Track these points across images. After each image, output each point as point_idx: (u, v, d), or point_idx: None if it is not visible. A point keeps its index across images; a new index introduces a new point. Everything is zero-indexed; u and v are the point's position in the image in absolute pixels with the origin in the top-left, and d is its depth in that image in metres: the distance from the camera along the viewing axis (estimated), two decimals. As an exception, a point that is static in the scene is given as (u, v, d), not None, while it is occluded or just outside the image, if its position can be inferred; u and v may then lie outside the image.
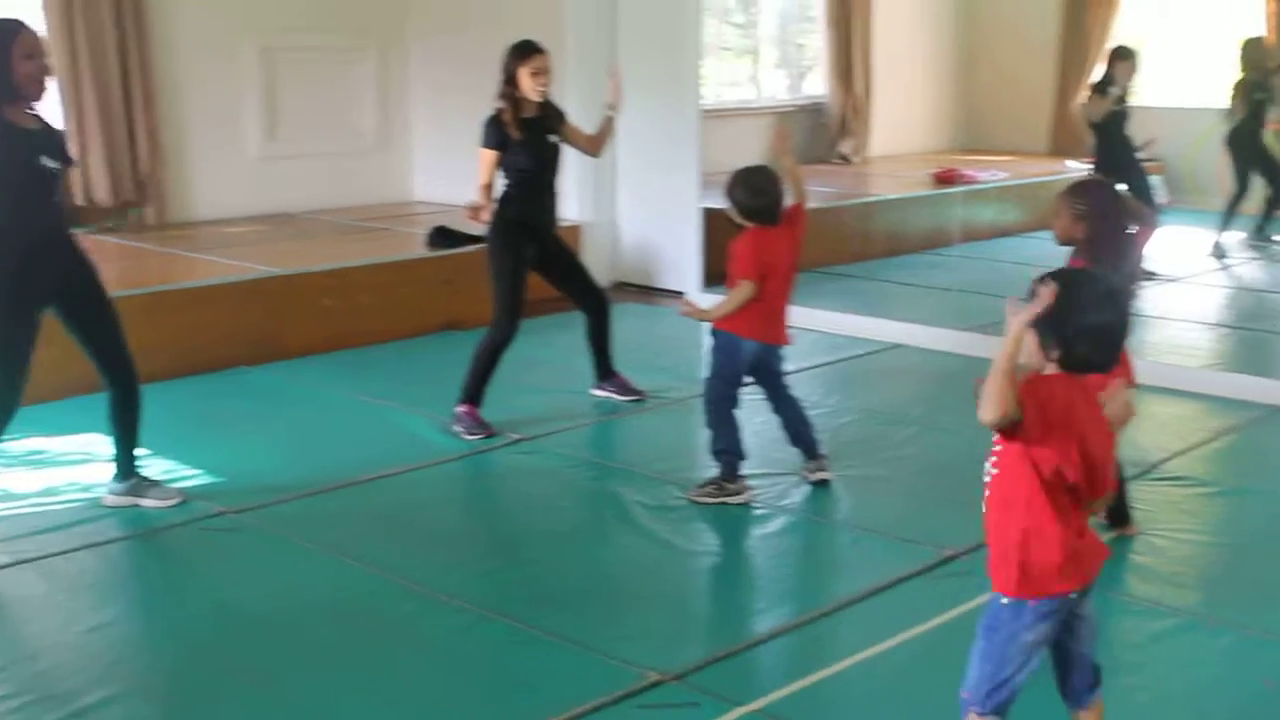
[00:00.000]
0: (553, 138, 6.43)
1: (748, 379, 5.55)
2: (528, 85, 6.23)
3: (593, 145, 6.67)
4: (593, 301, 6.74)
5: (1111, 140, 9.24)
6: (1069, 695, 3.32)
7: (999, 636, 3.16)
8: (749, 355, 5.45)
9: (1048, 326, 3.02)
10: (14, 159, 4.85)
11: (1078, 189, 4.68)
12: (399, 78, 10.44)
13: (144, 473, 5.44)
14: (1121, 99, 9.15)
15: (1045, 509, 3.06)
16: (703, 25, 9.29)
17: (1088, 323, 3.01)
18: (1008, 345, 2.94)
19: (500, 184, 6.35)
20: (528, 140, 6.30)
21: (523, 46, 6.28)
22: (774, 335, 5.46)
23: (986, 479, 3.16)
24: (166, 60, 9.09)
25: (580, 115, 6.88)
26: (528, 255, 6.39)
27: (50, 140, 5.01)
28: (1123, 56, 9.35)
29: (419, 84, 10.48)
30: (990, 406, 2.95)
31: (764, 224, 5.33)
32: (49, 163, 4.94)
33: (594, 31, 9.33)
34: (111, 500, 5.36)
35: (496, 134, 6.27)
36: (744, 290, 5.30)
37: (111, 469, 5.39)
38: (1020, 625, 3.12)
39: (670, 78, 9.17)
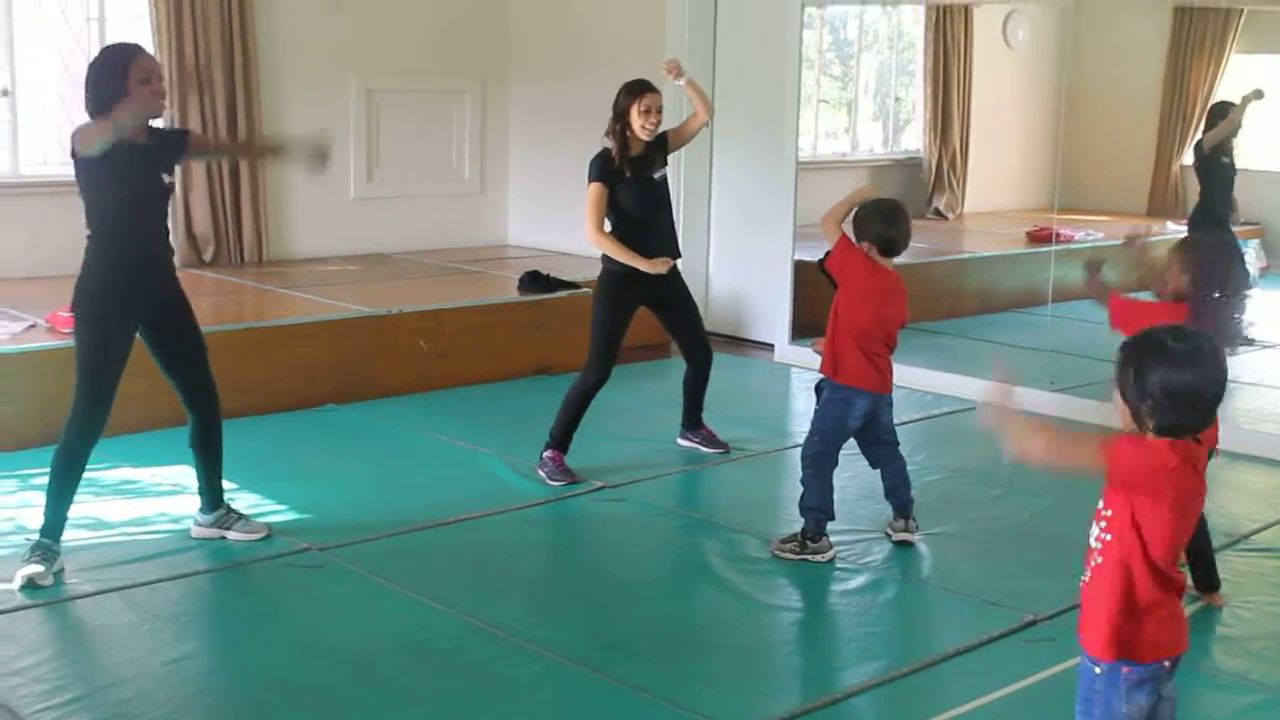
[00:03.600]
0: (659, 174, 6.39)
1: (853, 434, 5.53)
2: (637, 124, 6.23)
3: (696, 120, 6.46)
4: (699, 355, 6.69)
5: (1209, 201, 9.11)
6: None
7: (1097, 710, 3.10)
8: (861, 411, 5.42)
9: (1131, 393, 2.99)
10: (130, 176, 4.92)
11: (1186, 243, 4.75)
12: (498, 123, 10.55)
13: (232, 505, 5.51)
14: (1232, 134, 8.99)
15: (1143, 576, 3.02)
16: (802, 77, 9.29)
17: (1163, 383, 2.94)
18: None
19: (607, 227, 6.31)
20: (635, 181, 6.29)
21: (636, 84, 6.28)
22: (884, 384, 5.43)
23: (1091, 542, 3.13)
24: (271, 97, 9.24)
25: (675, 159, 6.82)
26: (631, 304, 6.38)
27: (165, 153, 5.09)
28: (1224, 114, 9.21)
29: (517, 129, 10.58)
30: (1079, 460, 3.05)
31: (878, 249, 5.34)
32: (166, 177, 5.04)
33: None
34: (198, 531, 5.43)
35: (605, 167, 6.23)
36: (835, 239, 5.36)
37: (178, 500, 5.44)
38: (1115, 694, 3.07)
39: (768, 129, 9.20)
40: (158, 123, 5.17)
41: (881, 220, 5.32)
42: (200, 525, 5.44)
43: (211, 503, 5.44)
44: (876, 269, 5.34)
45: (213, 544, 5.37)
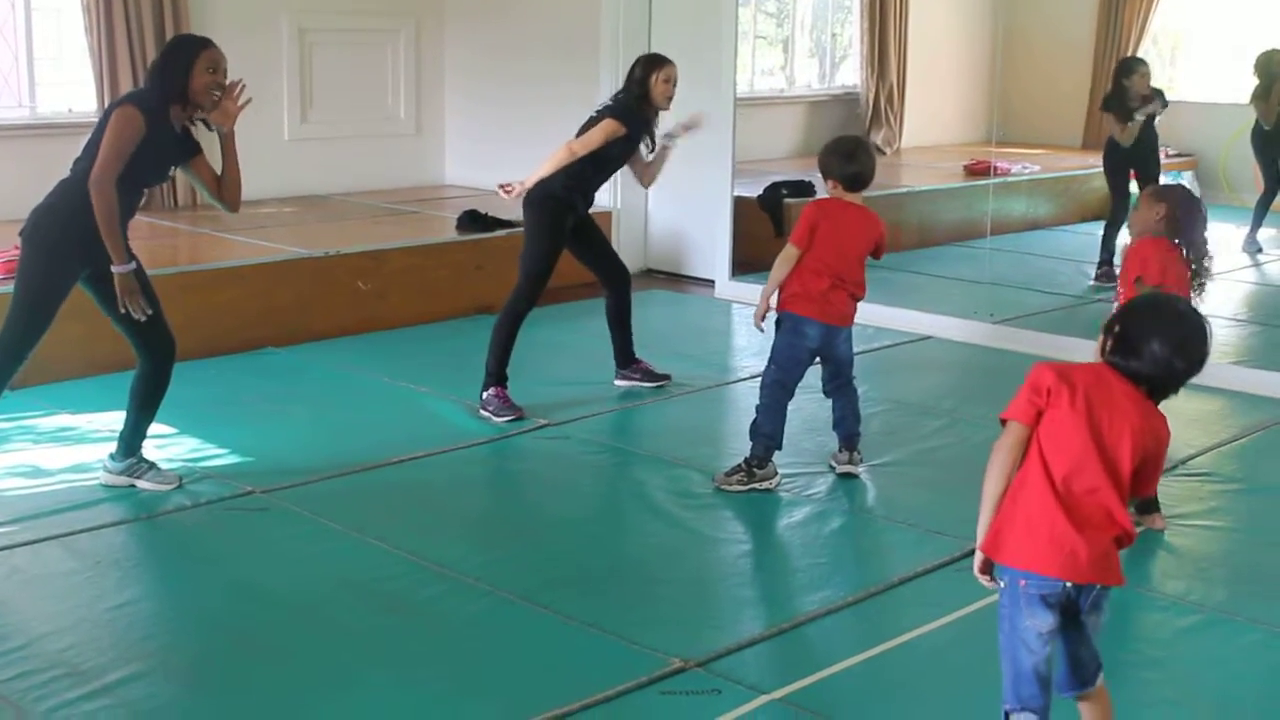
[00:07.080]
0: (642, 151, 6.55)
1: (811, 364, 5.53)
2: (659, 91, 6.33)
3: (645, 174, 6.67)
4: (618, 279, 6.73)
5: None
6: (1067, 687, 3.26)
7: (1005, 625, 3.14)
8: (813, 340, 5.42)
9: (1118, 346, 3.10)
10: (144, 153, 4.91)
11: (1160, 188, 5.15)
12: (434, 61, 10.44)
13: (143, 455, 5.39)
14: (1150, 116, 9.03)
15: (1036, 484, 3.07)
16: (738, 14, 9.25)
17: (1155, 350, 3.12)
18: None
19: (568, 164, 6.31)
20: (632, 144, 6.42)
21: (656, 56, 6.44)
22: (836, 315, 5.42)
23: None
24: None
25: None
26: (567, 230, 6.42)
27: (182, 150, 5.14)
28: (1131, 71, 9.19)
29: (453, 68, 10.48)
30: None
31: (844, 188, 5.41)
32: (170, 170, 5.23)
33: (630, 18, 9.31)
34: (108, 479, 5.33)
35: (636, 117, 6.34)
36: (786, 255, 5.35)
37: (113, 446, 5.35)
38: (1015, 608, 3.09)
39: (705, 66, 9.13)
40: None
41: (840, 159, 5.42)
42: (110, 473, 5.34)
43: (127, 450, 5.33)
44: (835, 214, 5.39)
45: (154, 490, 5.31)
